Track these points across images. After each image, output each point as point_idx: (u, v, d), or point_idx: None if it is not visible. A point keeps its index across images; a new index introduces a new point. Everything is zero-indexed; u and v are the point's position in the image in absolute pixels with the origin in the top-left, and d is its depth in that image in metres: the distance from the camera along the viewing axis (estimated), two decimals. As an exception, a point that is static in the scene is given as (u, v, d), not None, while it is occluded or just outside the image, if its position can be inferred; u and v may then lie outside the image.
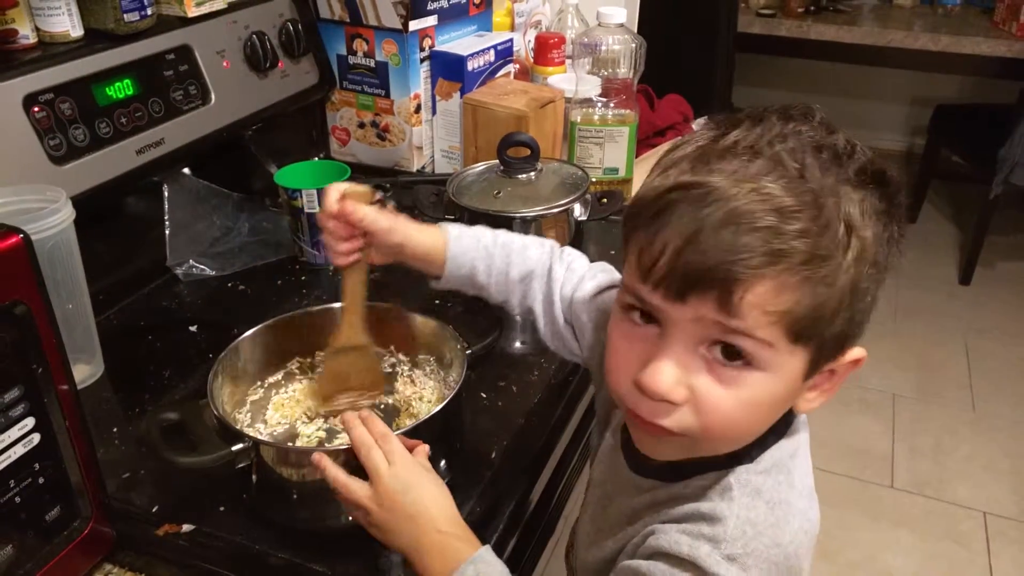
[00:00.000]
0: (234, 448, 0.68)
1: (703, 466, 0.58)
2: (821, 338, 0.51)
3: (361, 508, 0.65)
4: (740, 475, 0.56)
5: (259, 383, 0.83)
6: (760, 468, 0.57)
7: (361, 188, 0.73)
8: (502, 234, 0.78)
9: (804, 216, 0.48)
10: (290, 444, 0.78)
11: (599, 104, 1.31)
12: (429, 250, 0.75)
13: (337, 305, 0.85)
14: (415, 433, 0.70)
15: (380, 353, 0.85)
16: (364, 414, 0.69)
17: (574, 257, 0.78)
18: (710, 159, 0.51)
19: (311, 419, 0.82)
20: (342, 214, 0.71)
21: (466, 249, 0.76)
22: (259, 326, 0.82)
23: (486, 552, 0.62)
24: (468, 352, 0.78)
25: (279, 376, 0.84)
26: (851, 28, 3.07)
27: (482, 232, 0.77)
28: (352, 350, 0.79)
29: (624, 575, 0.57)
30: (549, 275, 0.75)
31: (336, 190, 0.72)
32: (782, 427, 0.58)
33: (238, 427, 0.72)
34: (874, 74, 3.62)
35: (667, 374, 0.51)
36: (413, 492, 0.64)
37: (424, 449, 0.69)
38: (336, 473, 0.66)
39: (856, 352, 0.54)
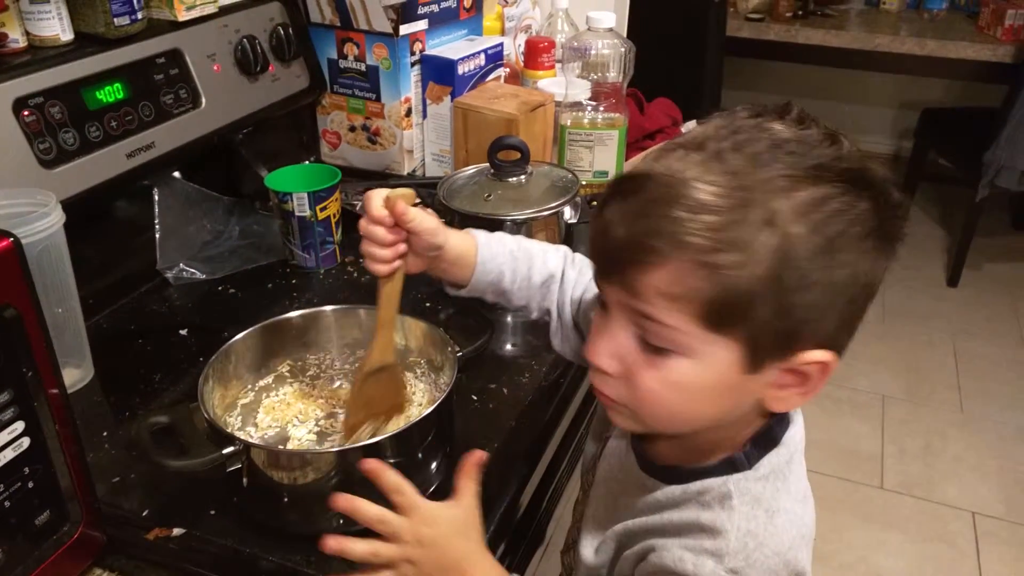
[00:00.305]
0: (225, 451, 0.68)
1: (702, 472, 0.59)
2: (750, 330, 0.51)
3: (394, 541, 0.61)
4: (739, 482, 0.57)
5: (250, 386, 0.83)
6: (758, 475, 0.57)
7: (404, 191, 0.70)
8: (522, 240, 0.78)
9: (717, 210, 0.49)
10: (281, 447, 0.78)
11: (589, 108, 1.31)
12: (462, 254, 0.75)
13: (329, 308, 0.86)
14: (407, 435, 0.70)
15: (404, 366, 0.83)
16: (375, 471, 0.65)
17: (585, 262, 0.79)
18: (664, 152, 0.53)
19: (302, 422, 0.82)
20: (394, 215, 0.67)
21: (495, 255, 0.76)
22: (249, 329, 0.82)
23: None
24: (459, 355, 0.79)
25: (270, 379, 0.84)
26: (839, 32, 3.09)
27: (505, 238, 0.78)
28: (383, 370, 0.75)
29: None
30: (563, 279, 0.77)
31: (379, 195, 0.69)
32: (778, 432, 0.59)
33: (228, 430, 0.72)
34: (861, 78, 3.65)
35: (599, 347, 0.57)
36: (451, 541, 0.61)
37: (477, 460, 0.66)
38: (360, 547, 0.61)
39: (818, 354, 0.52)
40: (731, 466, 0.58)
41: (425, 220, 0.70)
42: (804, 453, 0.62)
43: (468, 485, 0.64)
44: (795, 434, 0.61)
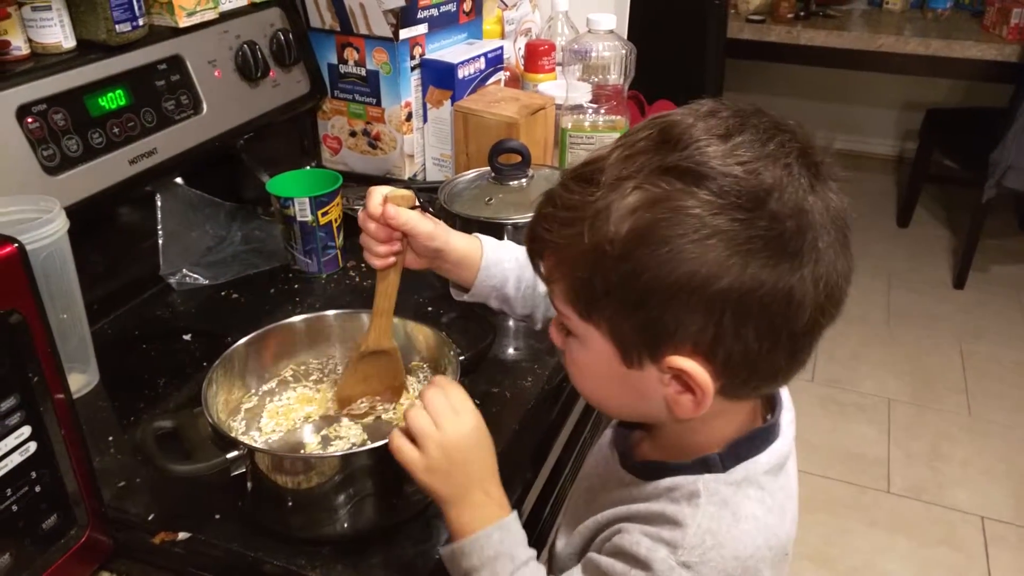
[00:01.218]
0: (229, 456, 0.68)
1: (676, 468, 0.59)
2: (608, 319, 0.55)
3: (423, 445, 0.63)
4: (709, 483, 0.57)
5: (253, 391, 0.83)
6: (731, 479, 0.57)
7: (403, 192, 0.73)
8: None
9: (571, 210, 0.54)
10: (284, 451, 0.78)
11: (590, 110, 1.32)
12: (464, 256, 0.77)
13: (331, 312, 0.86)
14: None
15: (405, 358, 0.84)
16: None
17: None
18: None
19: (306, 424, 0.82)
20: (384, 217, 0.72)
21: (500, 260, 0.78)
22: (253, 334, 0.82)
23: (512, 521, 0.63)
24: (462, 359, 0.79)
25: (273, 384, 0.84)
26: (841, 33, 3.09)
27: (513, 246, 0.79)
28: (380, 354, 0.79)
29: (586, 567, 0.58)
30: None
31: (379, 193, 0.72)
32: (761, 442, 0.59)
33: (232, 435, 0.72)
34: (865, 79, 3.64)
35: (551, 322, 0.64)
36: (478, 449, 0.64)
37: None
38: (414, 411, 0.65)
39: (681, 360, 0.53)
40: (704, 466, 0.58)
41: (420, 223, 0.73)
42: (807, 457, 0.62)
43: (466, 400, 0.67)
44: (781, 447, 0.60)
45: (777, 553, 0.57)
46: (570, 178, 0.56)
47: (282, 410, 0.83)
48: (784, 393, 0.64)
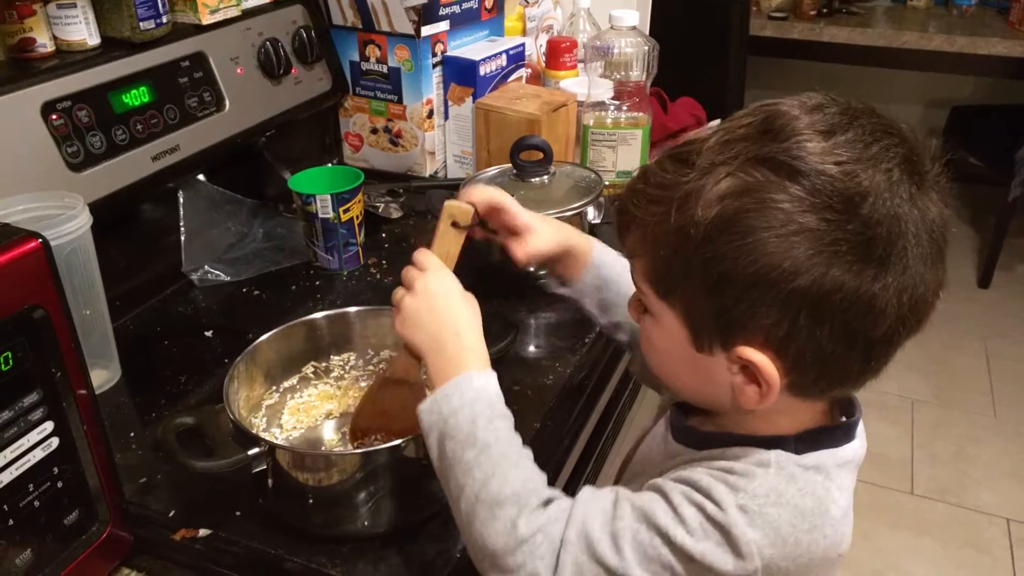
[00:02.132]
0: (250, 452, 0.68)
1: (743, 440, 0.58)
2: (684, 302, 0.56)
3: (407, 290, 0.67)
4: (781, 456, 0.56)
5: (274, 387, 0.83)
6: (803, 462, 0.57)
7: (465, 207, 0.73)
8: None
9: (662, 188, 0.55)
10: (304, 449, 0.78)
11: (612, 107, 1.31)
12: (581, 251, 0.81)
13: (353, 309, 0.86)
14: None
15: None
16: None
17: None
18: None
19: (329, 418, 0.81)
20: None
21: (610, 262, 0.81)
22: (274, 330, 0.82)
23: (494, 378, 0.62)
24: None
25: (294, 380, 0.84)
26: (864, 30, 3.05)
27: (617, 254, 0.82)
28: (403, 385, 0.74)
29: (648, 489, 0.57)
30: None
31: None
32: (835, 438, 0.59)
33: (254, 431, 0.72)
34: (888, 76, 3.59)
35: (630, 298, 0.65)
36: (452, 299, 0.66)
37: None
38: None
39: (751, 352, 0.53)
40: (777, 443, 0.57)
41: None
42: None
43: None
44: (856, 449, 0.60)
45: (832, 545, 0.55)
46: (667, 157, 0.57)
47: (303, 407, 0.83)
48: (861, 422, 0.63)
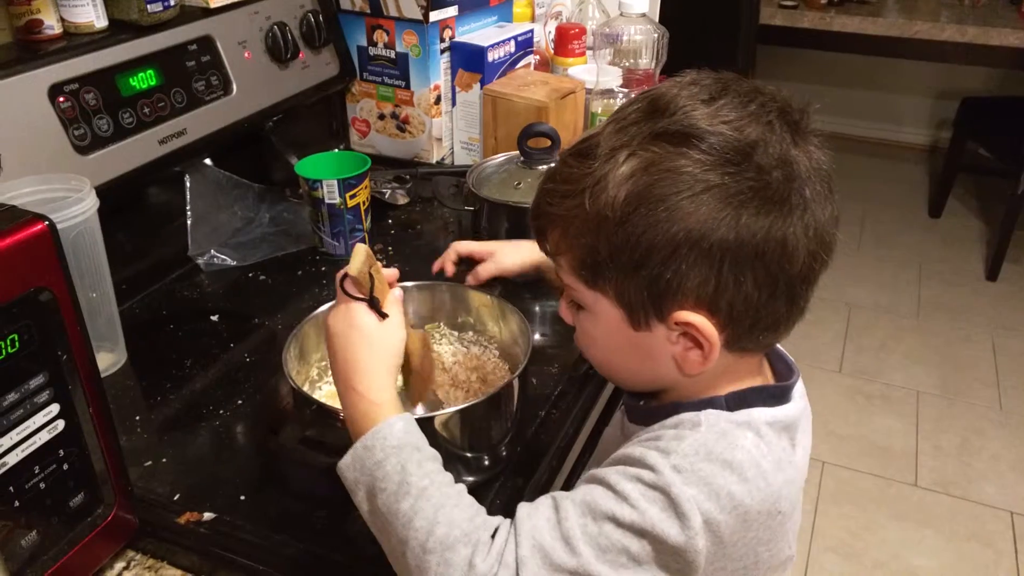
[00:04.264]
0: None
1: (681, 407, 0.60)
2: (614, 284, 0.57)
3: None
4: (711, 415, 0.58)
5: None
6: (733, 418, 0.58)
7: (358, 262, 0.65)
8: None
9: (571, 182, 0.57)
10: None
11: (620, 95, 1.30)
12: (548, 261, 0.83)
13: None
14: (487, 404, 0.71)
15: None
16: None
17: None
18: None
19: None
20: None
21: None
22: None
23: (409, 422, 0.59)
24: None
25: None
26: (875, 20, 3.03)
27: None
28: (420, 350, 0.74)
29: (586, 481, 0.57)
30: None
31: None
32: (766, 397, 0.61)
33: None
34: (898, 66, 3.57)
35: (561, 304, 0.67)
36: (346, 339, 0.62)
37: (396, 295, 0.67)
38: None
39: (687, 315, 0.56)
40: (709, 404, 0.59)
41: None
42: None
43: (395, 310, 0.66)
44: (788, 411, 0.61)
45: (767, 498, 0.55)
46: (568, 155, 0.60)
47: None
48: (799, 386, 0.64)
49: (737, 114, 0.55)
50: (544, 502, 0.56)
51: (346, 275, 0.64)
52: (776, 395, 0.61)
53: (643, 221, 0.54)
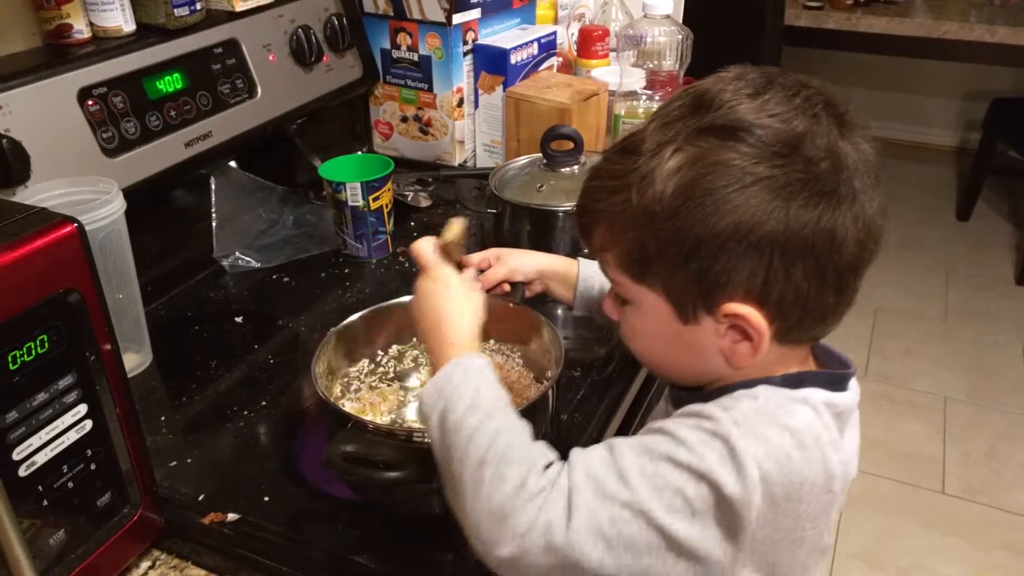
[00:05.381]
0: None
1: (735, 386, 0.59)
2: (662, 279, 0.57)
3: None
4: (768, 389, 0.57)
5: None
6: (790, 393, 0.57)
7: (455, 232, 0.75)
8: None
9: (618, 178, 0.57)
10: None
11: (644, 97, 1.29)
12: (565, 273, 0.87)
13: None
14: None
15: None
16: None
17: None
18: None
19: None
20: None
21: (595, 271, 0.84)
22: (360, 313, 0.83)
23: (487, 362, 0.62)
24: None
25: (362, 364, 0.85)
26: (903, 20, 2.99)
27: None
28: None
29: (646, 432, 0.57)
30: None
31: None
32: (823, 380, 0.60)
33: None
34: (926, 67, 3.52)
35: (604, 298, 0.67)
36: (436, 299, 0.68)
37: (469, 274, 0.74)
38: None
39: (736, 307, 0.56)
40: (763, 382, 0.59)
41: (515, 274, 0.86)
42: (860, 457, 0.63)
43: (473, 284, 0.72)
44: (845, 398, 0.60)
45: (824, 471, 0.55)
46: (613, 152, 0.60)
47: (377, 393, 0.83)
48: (854, 381, 0.63)
49: (783, 107, 0.55)
50: (598, 445, 0.57)
51: (445, 242, 0.70)
52: (833, 380, 0.61)
53: (692, 215, 0.54)
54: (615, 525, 0.51)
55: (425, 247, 0.72)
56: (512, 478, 0.53)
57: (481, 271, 0.89)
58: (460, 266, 0.73)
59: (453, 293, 0.68)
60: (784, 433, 0.54)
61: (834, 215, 0.54)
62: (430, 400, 0.60)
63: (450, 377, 0.60)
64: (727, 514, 0.51)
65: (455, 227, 0.72)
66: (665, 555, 0.51)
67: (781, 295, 0.55)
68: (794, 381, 0.59)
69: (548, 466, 0.55)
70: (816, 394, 0.58)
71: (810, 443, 0.55)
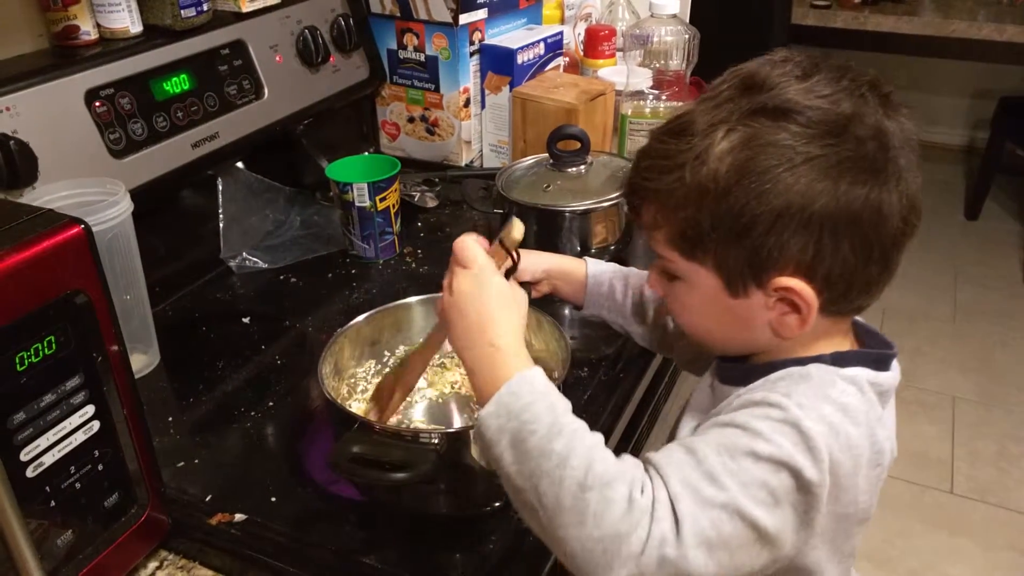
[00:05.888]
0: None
1: (785, 363, 0.61)
2: (714, 255, 0.59)
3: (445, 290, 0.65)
4: (820, 368, 0.59)
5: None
6: (844, 373, 0.59)
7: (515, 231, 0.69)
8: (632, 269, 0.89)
9: (670, 158, 0.59)
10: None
11: (651, 96, 1.29)
12: (571, 271, 0.87)
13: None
14: None
15: None
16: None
17: None
18: None
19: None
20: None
21: (604, 270, 0.87)
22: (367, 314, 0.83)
23: (535, 374, 0.58)
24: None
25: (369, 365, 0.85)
26: (911, 19, 2.97)
27: (613, 264, 0.89)
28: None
29: (709, 428, 0.57)
30: None
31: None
32: (870, 360, 0.62)
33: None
34: (934, 66, 3.51)
35: (649, 274, 0.69)
36: (481, 298, 0.62)
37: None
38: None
39: (786, 280, 0.58)
40: (814, 360, 0.61)
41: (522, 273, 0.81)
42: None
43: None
44: (888, 378, 0.62)
45: (875, 444, 0.58)
46: (662, 133, 0.62)
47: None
48: (895, 361, 0.65)
49: (831, 89, 0.57)
50: (673, 447, 0.56)
51: (500, 239, 0.68)
52: (878, 360, 0.62)
53: (745, 193, 0.56)
54: (716, 527, 0.51)
55: (472, 244, 0.65)
56: (619, 500, 0.51)
57: None
58: (509, 270, 0.68)
59: (497, 293, 0.63)
60: (840, 412, 0.56)
61: (881, 192, 0.56)
62: (496, 422, 0.55)
63: (517, 396, 0.56)
64: (804, 498, 0.53)
65: (519, 226, 0.67)
66: (754, 547, 0.53)
67: (829, 269, 0.57)
68: (842, 360, 0.61)
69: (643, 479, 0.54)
70: (863, 372, 0.60)
71: (863, 420, 0.57)
